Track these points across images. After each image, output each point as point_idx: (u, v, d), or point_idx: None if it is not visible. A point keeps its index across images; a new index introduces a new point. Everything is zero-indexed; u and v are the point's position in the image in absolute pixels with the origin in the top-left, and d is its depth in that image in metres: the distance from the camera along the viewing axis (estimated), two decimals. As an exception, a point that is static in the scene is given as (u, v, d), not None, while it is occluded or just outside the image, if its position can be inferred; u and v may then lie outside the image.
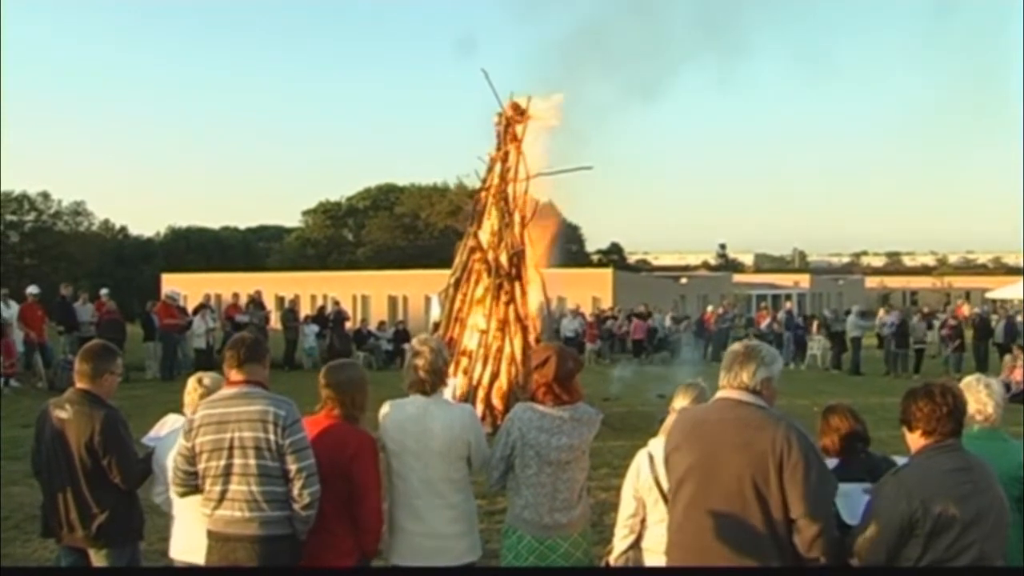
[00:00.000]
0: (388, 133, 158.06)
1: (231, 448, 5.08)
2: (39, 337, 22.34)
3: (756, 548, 4.18)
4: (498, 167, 16.80)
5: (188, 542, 5.67)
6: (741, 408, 4.35)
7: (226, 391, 5.25)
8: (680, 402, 5.33)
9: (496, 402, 15.31)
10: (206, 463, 5.15)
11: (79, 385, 5.90)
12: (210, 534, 5.21)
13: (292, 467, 5.02)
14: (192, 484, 5.23)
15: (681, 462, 4.43)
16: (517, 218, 16.52)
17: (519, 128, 16.76)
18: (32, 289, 23.32)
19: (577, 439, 5.47)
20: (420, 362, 5.47)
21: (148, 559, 6.45)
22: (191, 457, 5.19)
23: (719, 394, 4.51)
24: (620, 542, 5.34)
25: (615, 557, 5.36)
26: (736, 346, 4.59)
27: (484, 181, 16.93)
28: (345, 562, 5.34)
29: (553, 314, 22.02)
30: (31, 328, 22.15)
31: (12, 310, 22.65)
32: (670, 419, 5.25)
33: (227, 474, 5.09)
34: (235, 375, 5.25)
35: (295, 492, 5.03)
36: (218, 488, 5.13)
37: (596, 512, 5.88)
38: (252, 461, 5.04)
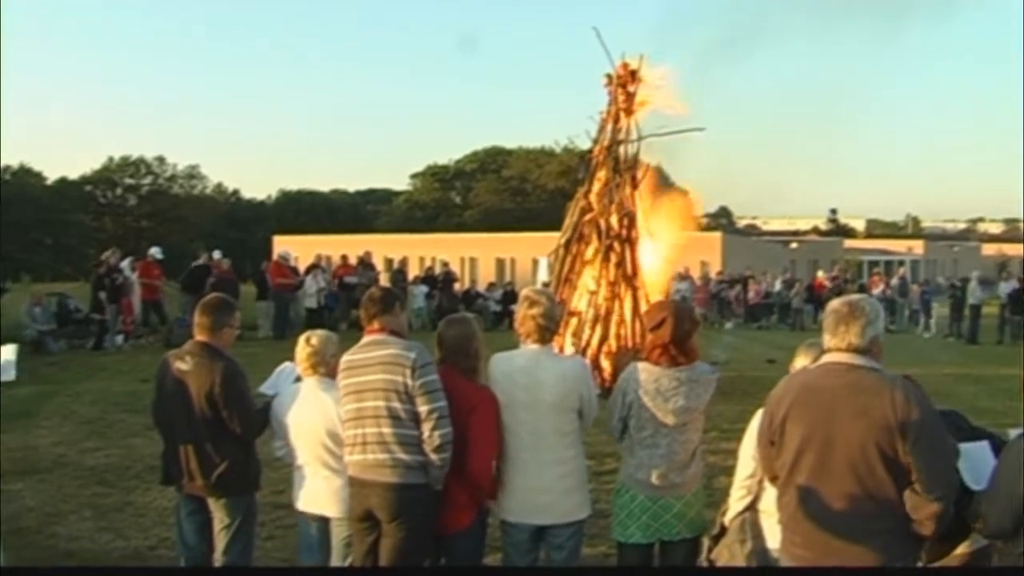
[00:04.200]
0: (496, 95, 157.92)
1: (364, 391, 5.21)
2: (154, 296, 22.93)
3: (885, 517, 4.02)
4: (609, 128, 16.63)
5: (311, 493, 5.80)
6: (854, 372, 4.13)
7: (365, 339, 5.39)
8: (801, 362, 5.17)
9: (605, 364, 15.24)
10: (346, 406, 5.30)
11: (199, 338, 6.00)
12: (350, 480, 5.37)
13: (423, 408, 5.09)
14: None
15: (795, 431, 4.22)
16: (628, 179, 16.35)
17: (631, 89, 16.56)
18: (154, 250, 23.92)
19: (694, 401, 5.39)
20: (536, 311, 5.43)
21: (262, 510, 6.57)
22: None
23: (827, 358, 4.28)
24: (736, 503, 5.25)
25: (730, 518, 5.27)
26: (837, 304, 4.30)
27: (595, 142, 16.78)
28: (464, 517, 5.38)
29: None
30: (147, 287, 22.77)
31: (134, 272, 23.32)
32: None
33: (361, 417, 5.22)
34: (372, 326, 5.38)
35: (426, 433, 5.09)
36: (353, 431, 5.27)
37: (705, 476, 5.79)
38: (383, 403, 5.15)
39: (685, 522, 5.48)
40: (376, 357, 5.24)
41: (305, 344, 5.85)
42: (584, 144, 17.22)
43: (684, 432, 5.42)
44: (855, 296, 4.38)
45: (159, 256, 23.64)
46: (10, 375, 7.04)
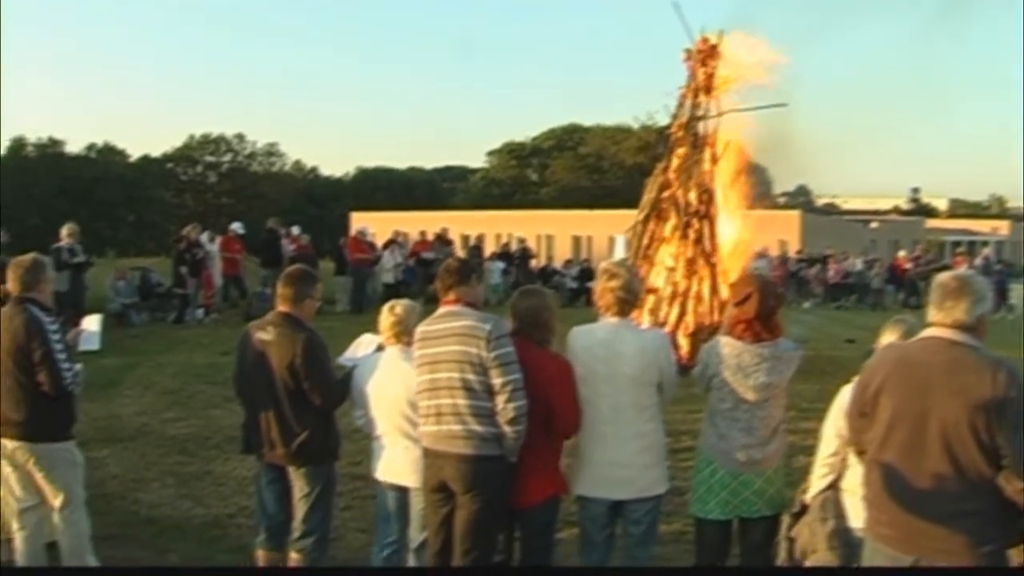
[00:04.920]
0: (573, 72, 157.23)
1: (439, 363, 5.20)
2: (235, 270, 23.24)
3: (977, 499, 3.89)
4: (688, 103, 16.47)
5: (390, 463, 5.83)
6: (954, 349, 3.98)
7: (441, 310, 5.38)
8: (888, 338, 5.05)
9: (683, 342, 15.12)
10: (420, 377, 5.30)
11: (280, 308, 6.03)
12: (424, 451, 5.37)
13: (497, 380, 5.06)
14: None
15: (887, 405, 4.07)
16: (707, 155, 16.18)
17: (710, 64, 16.36)
18: (235, 225, 24.22)
19: (776, 377, 5.32)
20: (616, 283, 5.37)
21: (340, 481, 6.61)
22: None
23: (928, 332, 4.12)
24: (818, 481, 5.15)
25: (812, 496, 5.18)
26: (946, 278, 4.14)
27: (674, 118, 16.62)
28: (546, 488, 5.36)
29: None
30: (228, 261, 23.10)
31: (214, 245, 23.65)
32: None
33: (435, 388, 5.21)
34: (447, 298, 5.37)
35: (500, 405, 5.07)
36: (427, 402, 5.26)
37: (784, 455, 5.70)
38: (457, 375, 5.13)
39: (765, 499, 5.42)
40: (451, 328, 5.22)
41: (389, 313, 5.86)
42: (663, 120, 17.08)
43: (764, 408, 5.36)
44: (965, 271, 4.24)
45: (240, 231, 23.94)
46: (95, 345, 7.13)
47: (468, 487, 5.16)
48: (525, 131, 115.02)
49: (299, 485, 5.99)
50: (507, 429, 5.09)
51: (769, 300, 5.33)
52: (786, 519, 5.35)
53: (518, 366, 5.11)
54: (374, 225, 28.37)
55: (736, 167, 16.79)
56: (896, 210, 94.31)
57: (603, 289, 5.43)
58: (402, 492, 5.78)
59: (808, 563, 5.11)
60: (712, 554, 5.58)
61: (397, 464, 5.69)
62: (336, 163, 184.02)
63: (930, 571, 3.98)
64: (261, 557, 6.21)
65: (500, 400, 5.08)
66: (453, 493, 5.24)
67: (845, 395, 5.05)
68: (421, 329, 5.40)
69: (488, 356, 5.08)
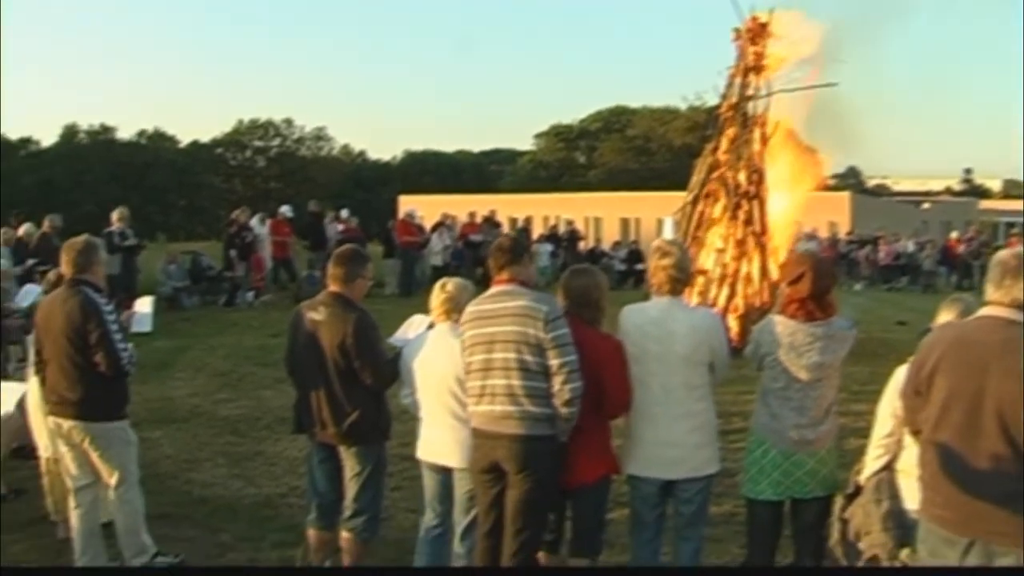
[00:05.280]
0: (621, 54, 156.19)
1: (493, 342, 5.16)
2: (284, 253, 23.36)
3: None
4: (738, 83, 16.32)
5: (434, 443, 5.81)
6: (1011, 328, 3.87)
7: (493, 289, 5.35)
8: (944, 317, 4.97)
9: (732, 323, 15.01)
10: (470, 356, 5.27)
11: (332, 288, 6.04)
12: (474, 432, 5.34)
13: (554, 362, 5.03)
14: None
15: (943, 385, 3.97)
16: (757, 135, 16.03)
17: (760, 43, 16.20)
18: (284, 208, 24.35)
19: (828, 357, 5.26)
20: (668, 261, 5.33)
21: (390, 461, 6.63)
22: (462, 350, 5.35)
23: (985, 311, 4.03)
24: (873, 462, 5.08)
25: (866, 477, 5.11)
26: (1005, 256, 4.05)
27: (723, 98, 16.48)
28: (598, 468, 5.34)
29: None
30: (278, 244, 23.23)
31: (264, 228, 23.81)
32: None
33: (489, 368, 5.17)
34: (500, 276, 5.33)
35: (556, 387, 5.04)
36: (479, 383, 5.23)
37: (836, 435, 5.63)
38: (513, 355, 5.10)
39: (818, 480, 5.36)
40: (507, 308, 5.18)
41: (440, 290, 5.85)
42: (712, 100, 16.95)
43: (817, 388, 5.30)
44: None
45: (289, 214, 24.06)
46: (147, 326, 7.22)
47: (521, 467, 5.14)
48: (572, 113, 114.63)
49: (350, 464, 6.01)
50: (563, 410, 5.07)
51: (823, 278, 5.27)
52: (839, 500, 5.29)
53: (574, 347, 5.08)
54: (422, 208, 28.34)
55: (786, 147, 16.62)
56: (948, 191, 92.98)
57: (655, 267, 5.39)
58: (445, 473, 5.77)
59: (862, 545, 5.05)
60: (764, 535, 5.54)
61: (439, 443, 5.69)
62: (384, 147, 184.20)
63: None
64: (312, 536, 6.25)
65: (557, 381, 5.05)
66: (504, 473, 5.22)
67: (901, 375, 4.95)
68: (473, 308, 5.36)
69: (545, 337, 5.05)
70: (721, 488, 6.89)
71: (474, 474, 5.42)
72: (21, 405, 6.31)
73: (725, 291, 15.44)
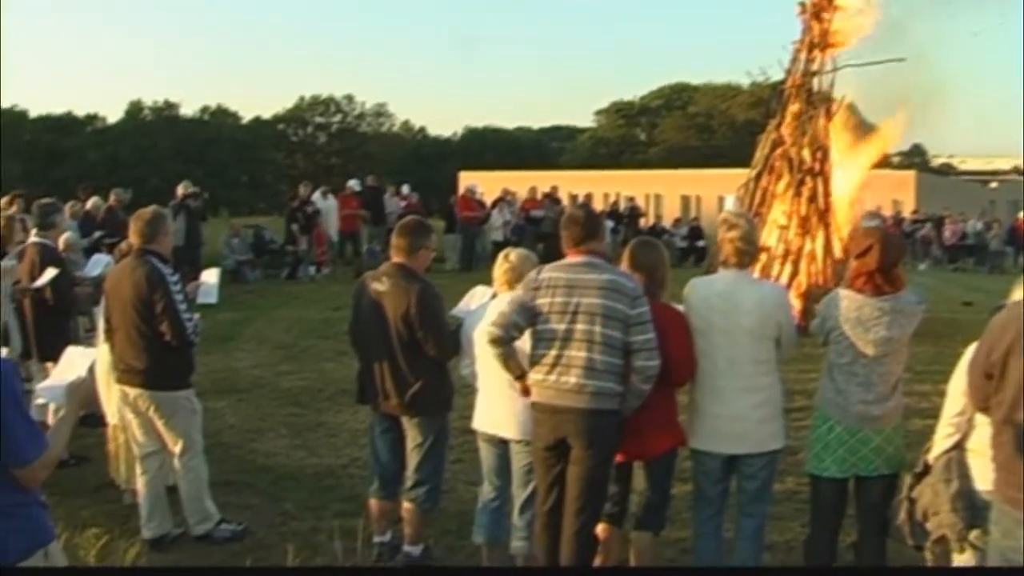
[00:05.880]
0: (682, 30, 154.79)
1: (575, 313, 5.09)
2: (352, 227, 23.45)
3: None
4: (802, 58, 16.09)
5: (492, 415, 5.81)
6: None
7: (571, 259, 5.28)
8: (1018, 294, 4.86)
9: (794, 301, 14.84)
10: (547, 325, 5.18)
11: (395, 259, 6.06)
12: (537, 406, 5.26)
13: (637, 339, 5.01)
14: (513, 335, 5.28)
15: (1017, 367, 3.84)
16: (821, 111, 15.80)
17: (825, 18, 15.96)
18: (352, 183, 24.42)
19: (896, 331, 5.16)
20: (735, 233, 5.28)
21: (451, 434, 6.65)
22: (530, 313, 5.23)
23: None
24: (942, 441, 4.97)
25: (935, 456, 5.00)
26: None
27: (788, 73, 16.26)
28: (666, 441, 5.32)
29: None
30: (345, 218, 23.35)
31: (328, 203, 23.94)
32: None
33: (567, 339, 5.11)
34: (578, 249, 5.27)
35: (638, 364, 5.02)
36: (554, 352, 5.15)
37: (902, 413, 5.54)
38: (598, 328, 5.05)
39: (884, 457, 5.28)
40: (592, 280, 5.12)
41: (503, 260, 5.83)
42: (776, 76, 16.74)
43: (884, 363, 5.21)
44: None
45: (357, 188, 24.12)
46: (212, 298, 7.27)
47: (589, 443, 5.10)
48: (633, 90, 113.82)
49: (412, 435, 6.04)
50: (642, 387, 5.06)
51: (891, 251, 5.17)
52: (907, 479, 5.18)
53: (653, 325, 5.05)
54: (483, 184, 28.26)
55: (850, 124, 16.38)
56: (1016, 170, 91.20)
57: (721, 239, 5.35)
58: (502, 445, 5.76)
59: (929, 525, 4.95)
60: (827, 513, 5.46)
61: (497, 415, 5.67)
62: (444, 123, 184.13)
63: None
64: (374, 506, 6.30)
65: (639, 358, 5.03)
66: (567, 450, 5.18)
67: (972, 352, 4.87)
68: (548, 275, 5.24)
69: (632, 314, 5.02)
70: (783, 465, 6.80)
71: (536, 451, 5.38)
72: (92, 370, 6.42)
73: (788, 269, 15.27)
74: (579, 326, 5.08)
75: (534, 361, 5.25)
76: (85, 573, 3.79)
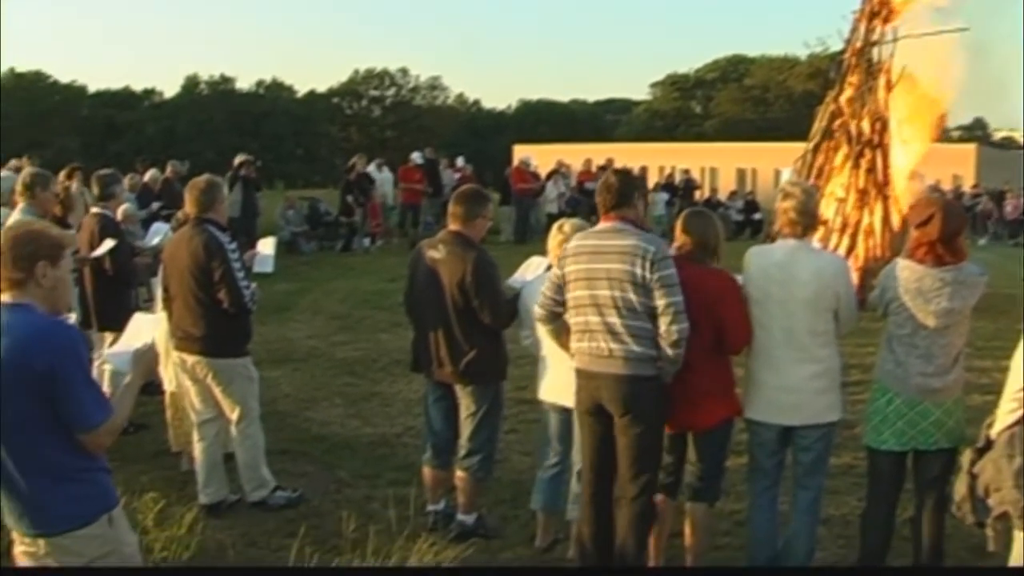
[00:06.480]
0: (739, 1, 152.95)
1: (598, 279, 5.07)
2: (414, 199, 23.49)
3: None
4: (862, 28, 15.82)
5: (554, 383, 5.79)
6: None
7: (600, 225, 5.26)
8: None
9: (852, 275, 14.67)
10: (574, 292, 5.18)
11: (452, 227, 6.05)
12: (577, 372, 5.26)
13: (660, 302, 4.94)
14: (553, 310, 5.31)
15: None
16: (881, 82, 15.53)
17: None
18: (415, 155, 24.42)
19: (959, 302, 5.06)
20: (789, 203, 5.20)
21: (506, 405, 6.65)
22: (560, 285, 5.25)
23: None
24: (1006, 416, 4.87)
25: (998, 431, 4.91)
26: None
27: (847, 43, 16.00)
28: (721, 410, 5.29)
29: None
30: (407, 191, 23.41)
31: (383, 175, 23.98)
32: None
33: (593, 304, 5.09)
34: (607, 215, 5.22)
35: (662, 328, 4.95)
36: (583, 318, 5.15)
37: (963, 386, 5.44)
38: (618, 293, 5.01)
39: (944, 431, 5.19)
40: (614, 246, 5.08)
41: (557, 231, 5.80)
42: (835, 46, 16.48)
43: (945, 335, 5.12)
44: None
45: (419, 161, 24.04)
46: (268, 267, 7.32)
47: (626, 409, 5.08)
48: (689, 63, 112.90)
49: (466, 403, 6.05)
50: (669, 352, 4.99)
51: (953, 221, 5.06)
52: (968, 454, 5.08)
53: (680, 288, 4.98)
54: (537, 157, 28.16)
55: (911, 95, 16.09)
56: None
57: (778, 209, 5.28)
58: (566, 413, 5.73)
59: (991, 501, 4.87)
60: (885, 487, 5.39)
61: (561, 384, 5.61)
62: (498, 96, 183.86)
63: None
64: (427, 475, 6.32)
65: (663, 323, 4.96)
66: (608, 415, 5.18)
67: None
68: (576, 243, 5.25)
69: (651, 277, 4.96)
70: (839, 440, 6.73)
71: (579, 415, 5.38)
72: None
73: (845, 242, 15.05)
74: (602, 292, 5.05)
75: (572, 329, 5.25)
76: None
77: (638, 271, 4.97)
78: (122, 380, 4.19)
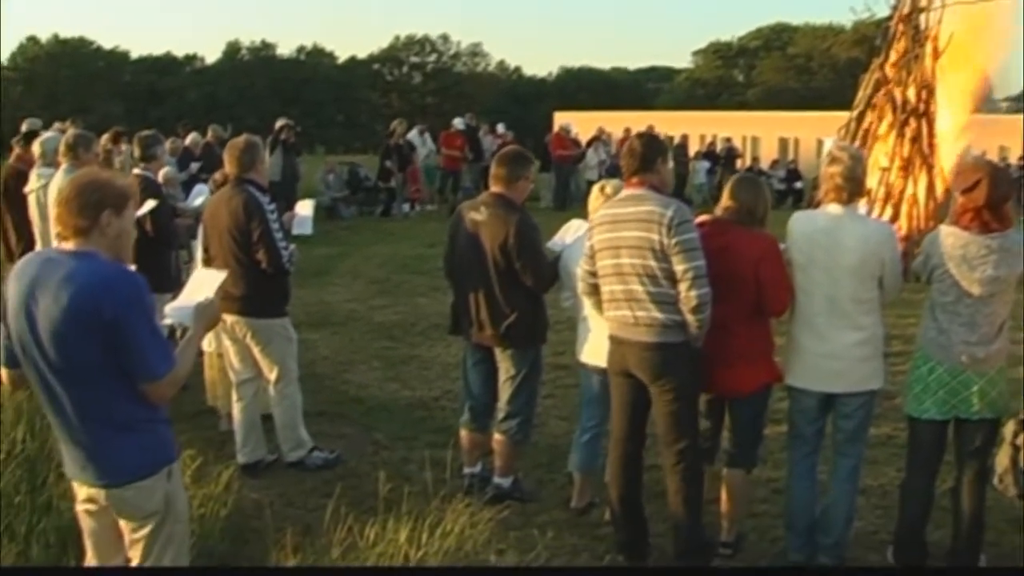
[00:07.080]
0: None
1: (620, 248, 5.06)
2: (455, 165, 23.47)
3: None
4: (910, -7, 15.57)
5: (594, 345, 5.77)
6: None
7: (624, 192, 5.25)
8: None
9: (898, 243, 14.49)
10: (601, 261, 5.18)
11: (494, 189, 6.00)
12: (610, 338, 5.27)
13: (680, 267, 4.91)
14: (591, 283, 5.31)
15: None
16: (928, 50, 15.28)
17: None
18: (457, 121, 24.35)
19: (1004, 270, 4.96)
20: (835, 168, 5.11)
21: (544, 370, 6.62)
22: (591, 256, 5.26)
23: None
24: (1051, 388, 4.83)
25: (1042, 402, 4.87)
26: None
27: (894, 9, 15.74)
28: (759, 376, 5.26)
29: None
30: (448, 157, 23.39)
31: (421, 140, 23.97)
32: None
33: (618, 273, 5.09)
34: (631, 181, 5.20)
35: (682, 293, 4.92)
36: (609, 287, 5.16)
37: (1007, 357, 5.35)
38: (638, 261, 4.99)
39: (986, 401, 5.10)
40: (632, 213, 5.05)
41: (599, 193, 5.76)
42: (882, 12, 16.20)
43: (990, 304, 5.03)
44: None
45: (461, 127, 23.97)
46: (307, 229, 7.32)
47: (655, 376, 5.08)
48: (731, 31, 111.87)
49: (505, 367, 6.04)
50: (690, 318, 4.95)
51: (1000, 186, 4.95)
52: (1011, 426, 5.01)
53: (701, 252, 4.94)
54: (577, 124, 28.02)
55: (958, 63, 15.82)
56: None
57: (824, 174, 5.21)
58: (607, 376, 5.67)
59: (1033, 473, 4.81)
60: (925, 456, 5.31)
61: (602, 347, 5.54)
62: (539, 63, 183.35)
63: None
64: (465, 438, 6.33)
65: (683, 288, 4.92)
66: (640, 380, 5.17)
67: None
68: (603, 212, 5.26)
69: (669, 242, 4.91)
70: (880, 410, 6.67)
71: (611, 376, 5.39)
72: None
73: (888, 211, 14.88)
74: (624, 260, 5.05)
75: (603, 297, 5.26)
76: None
77: (655, 237, 4.94)
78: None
